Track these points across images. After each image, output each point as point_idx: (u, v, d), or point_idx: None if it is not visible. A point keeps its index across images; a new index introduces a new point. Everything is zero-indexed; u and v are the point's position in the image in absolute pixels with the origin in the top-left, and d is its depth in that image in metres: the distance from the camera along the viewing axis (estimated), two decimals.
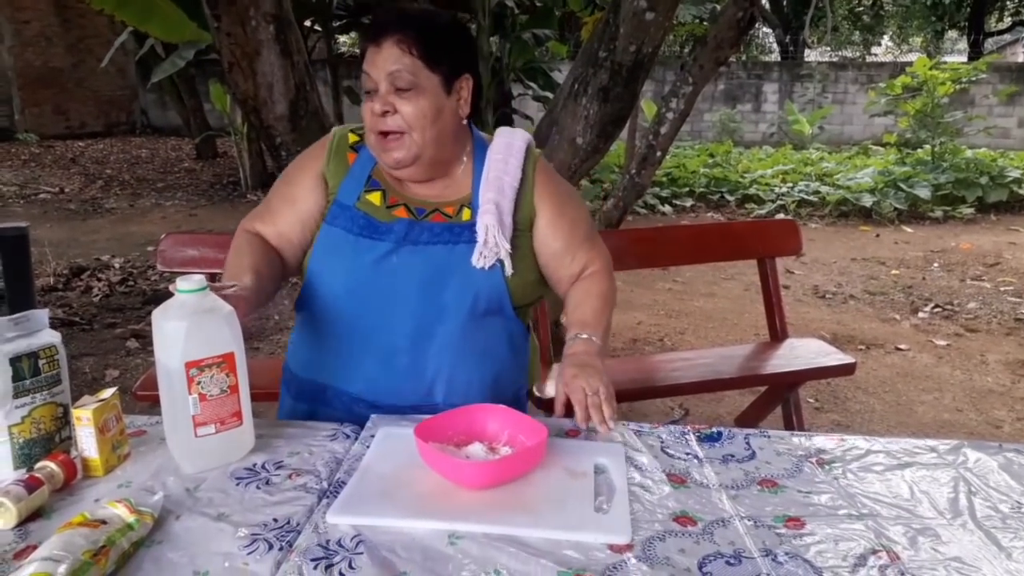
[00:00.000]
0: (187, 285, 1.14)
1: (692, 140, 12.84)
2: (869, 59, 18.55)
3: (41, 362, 1.15)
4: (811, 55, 17.05)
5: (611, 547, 0.97)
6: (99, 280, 4.84)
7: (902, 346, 4.08)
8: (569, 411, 1.34)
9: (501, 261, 1.38)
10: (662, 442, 1.26)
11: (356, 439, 1.28)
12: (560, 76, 9.88)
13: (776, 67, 14.41)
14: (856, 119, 13.36)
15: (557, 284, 1.52)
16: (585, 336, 1.43)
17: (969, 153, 8.45)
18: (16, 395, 1.12)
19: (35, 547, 0.97)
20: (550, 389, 2.38)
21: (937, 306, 4.75)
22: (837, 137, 12.97)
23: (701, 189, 8.23)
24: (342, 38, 15.15)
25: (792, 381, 2.64)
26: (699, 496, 1.10)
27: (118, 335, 4.01)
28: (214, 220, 7.36)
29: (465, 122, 1.43)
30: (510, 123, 10.19)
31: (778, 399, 2.82)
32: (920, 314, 4.64)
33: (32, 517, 1.04)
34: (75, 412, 1.14)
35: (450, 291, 1.37)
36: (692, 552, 0.96)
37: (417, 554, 0.95)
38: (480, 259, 1.37)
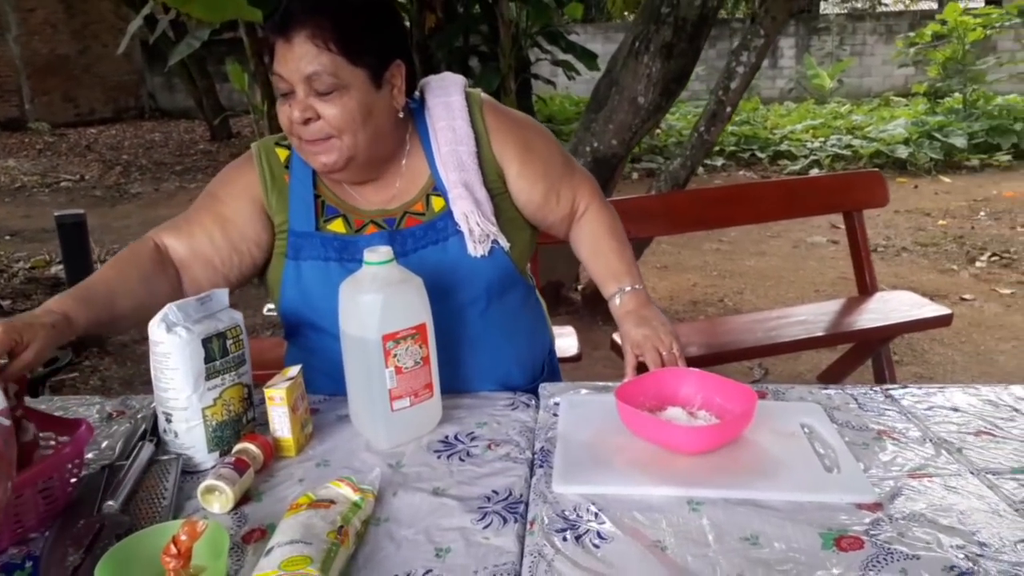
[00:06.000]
0: (375, 257, 1.10)
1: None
2: (879, 9, 18.23)
3: (228, 342, 1.11)
4: (826, 7, 16.78)
5: (859, 506, 0.94)
6: None
7: (967, 296, 4.03)
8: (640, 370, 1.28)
9: (495, 240, 1.28)
10: (855, 400, 1.22)
11: (537, 408, 1.25)
12: (577, 39, 9.74)
13: (792, 21, 14.18)
14: (875, 71, 13.15)
15: (551, 229, 1.41)
16: (628, 288, 1.34)
17: (1000, 100, 8.31)
18: (208, 376, 1.09)
19: (262, 530, 0.96)
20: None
21: (994, 255, 4.69)
22: (856, 90, 12.78)
23: (731, 148, 8.12)
24: None
25: (887, 335, 2.60)
26: (921, 451, 1.06)
27: None
28: None
29: (402, 114, 1.26)
30: (530, 89, 10.05)
31: (867, 354, 2.78)
32: (977, 263, 4.58)
33: (243, 500, 1.02)
34: (267, 392, 1.11)
35: (461, 290, 1.28)
36: (944, 507, 0.93)
37: (662, 521, 0.92)
38: (476, 248, 1.26)
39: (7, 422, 0.92)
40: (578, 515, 0.94)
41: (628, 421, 1.09)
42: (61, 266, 4.82)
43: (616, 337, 2.54)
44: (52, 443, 1.06)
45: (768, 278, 4.53)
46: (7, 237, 6.17)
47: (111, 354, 3.56)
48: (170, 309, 1.07)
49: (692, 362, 1.28)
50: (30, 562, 0.91)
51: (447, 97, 1.31)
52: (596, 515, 0.94)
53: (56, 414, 1.10)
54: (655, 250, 5.10)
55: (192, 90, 11.89)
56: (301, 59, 1.14)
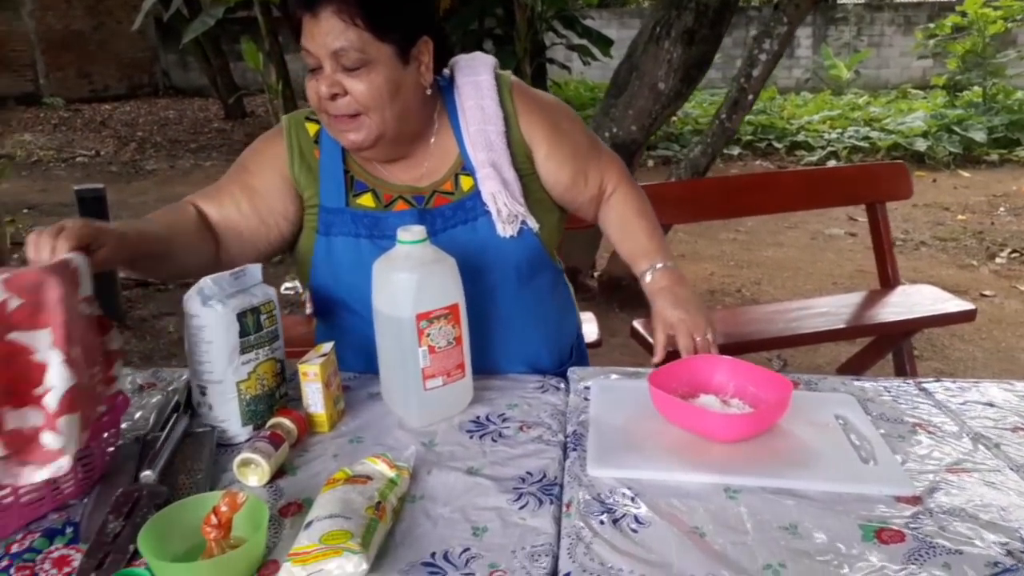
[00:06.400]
0: (409, 236, 1.09)
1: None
2: None
3: (262, 317, 1.11)
4: None
5: (898, 499, 0.93)
6: None
7: (987, 292, 4.00)
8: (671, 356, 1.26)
9: (524, 221, 1.27)
10: (888, 393, 1.21)
11: (567, 391, 1.24)
12: (593, 24, 9.67)
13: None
14: (892, 62, 13.01)
15: (579, 211, 1.41)
16: (660, 265, 1.33)
17: (1020, 95, 8.22)
18: (242, 351, 1.08)
19: (298, 504, 0.96)
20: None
21: (1014, 251, 4.65)
22: (874, 81, 12.66)
23: (748, 137, 8.06)
24: None
25: (910, 329, 2.59)
26: (958, 446, 1.05)
27: None
28: None
29: (429, 91, 1.25)
30: (545, 74, 10.00)
31: (888, 348, 2.77)
32: (997, 259, 4.55)
33: (277, 474, 1.02)
34: (302, 368, 1.11)
35: (490, 271, 1.27)
36: (984, 503, 0.92)
37: (700, 508, 0.92)
38: (505, 229, 1.25)
39: (89, 310, 0.94)
40: (614, 499, 0.94)
41: (662, 407, 1.08)
42: None
43: (637, 324, 2.54)
44: None
45: (785, 269, 4.51)
46: (25, 211, 6.19)
47: (131, 328, 3.57)
48: (205, 283, 1.07)
49: None
50: (71, 528, 0.92)
51: (476, 76, 1.30)
52: (633, 499, 0.94)
53: None
54: (671, 239, 5.08)
55: (206, 68, 11.88)
56: (328, 34, 1.14)
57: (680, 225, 5.16)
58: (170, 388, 1.26)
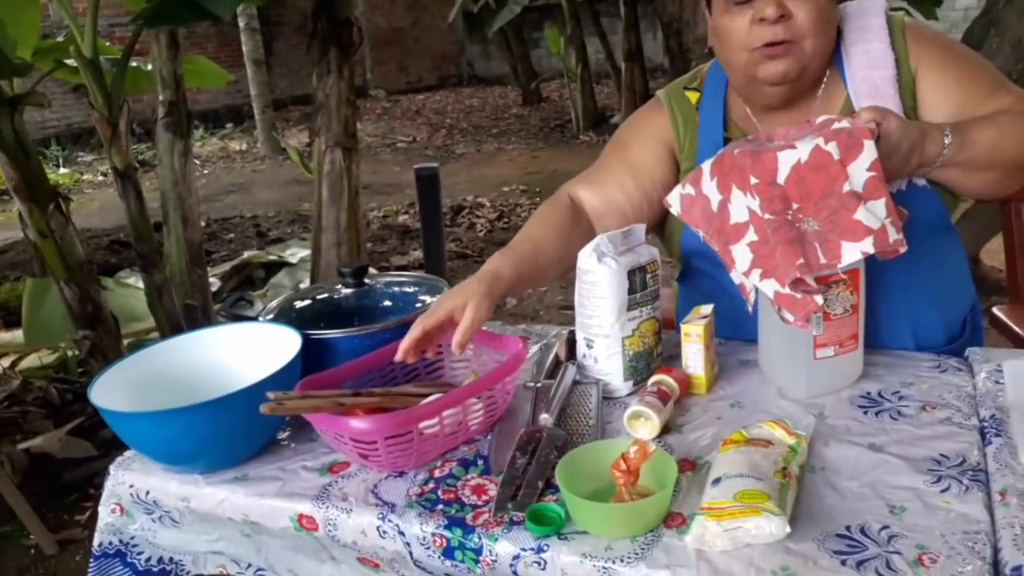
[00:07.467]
0: None
1: None
2: None
3: (648, 276, 1.13)
4: None
5: None
6: (478, 217, 5.20)
7: None
8: None
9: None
10: None
11: (969, 372, 1.12)
12: None
13: None
14: None
15: None
16: (945, 131, 1.06)
17: None
18: (628, 308, 1.11)
19: (691, 462, 0.96)
20: None
21: None
22: None
23: None
24: None
25: None
26: None
27: None
28: (557, 161, 7.57)
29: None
30: None
31: None
32: None
33: (663, 431, 1.03)
34: (685, 328, 1.11)
35: None
36: None
37: None
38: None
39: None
40: None
41: None
42: (407, 215, 5.38)
43: (998, 311, 2.23)
44: (483, 357, 1.16)
45: None
46: (360, 189, 7.01)
47: None
48: (601, 240, 1.10)
49: None
50: (481, 460, 1.01)
51: (864, 21, 1.22)
52: None
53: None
54: None
55: (508, 57, 12.55)
56: None
57: None
58: (543, 342, 1.33)
